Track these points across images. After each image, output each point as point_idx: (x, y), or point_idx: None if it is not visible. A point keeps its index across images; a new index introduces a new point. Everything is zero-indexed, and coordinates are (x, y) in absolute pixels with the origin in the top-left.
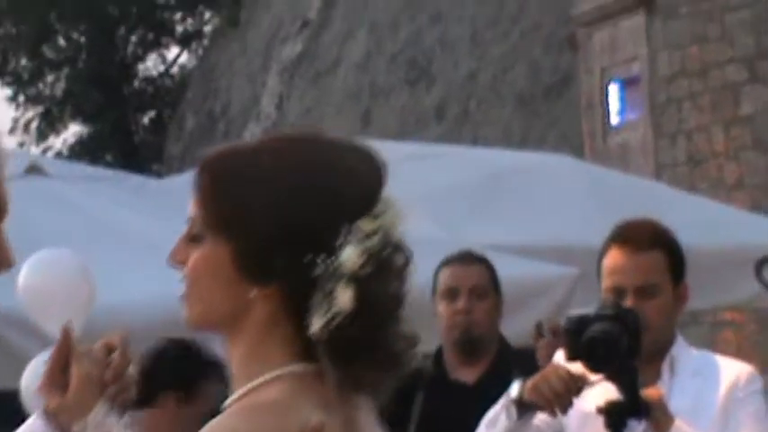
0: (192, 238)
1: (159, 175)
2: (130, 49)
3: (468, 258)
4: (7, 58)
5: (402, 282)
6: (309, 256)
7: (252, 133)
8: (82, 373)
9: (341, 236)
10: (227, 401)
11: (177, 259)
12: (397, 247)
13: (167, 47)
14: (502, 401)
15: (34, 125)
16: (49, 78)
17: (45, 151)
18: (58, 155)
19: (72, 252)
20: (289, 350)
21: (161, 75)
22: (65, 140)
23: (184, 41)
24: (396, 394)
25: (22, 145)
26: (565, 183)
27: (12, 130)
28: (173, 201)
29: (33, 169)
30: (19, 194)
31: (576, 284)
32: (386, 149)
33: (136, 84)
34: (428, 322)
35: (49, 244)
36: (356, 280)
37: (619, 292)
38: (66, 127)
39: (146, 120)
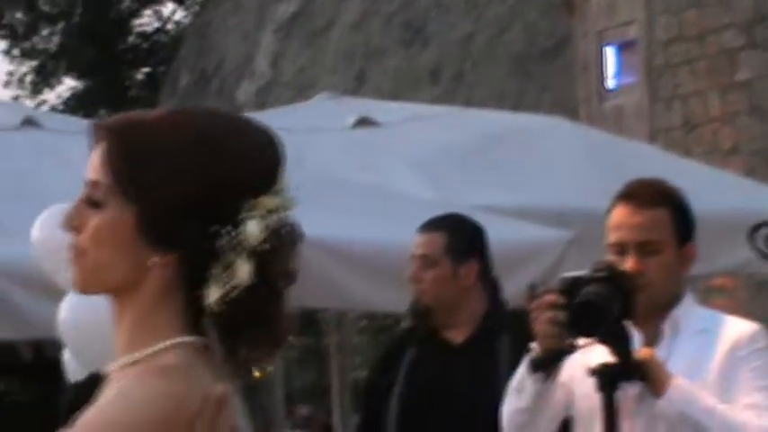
0: (93, 203)
1: None
2: (126, 4)
3: (426, 226)
4: (2, 12)
5: (294, 261)
6: (213, 227)
7: (246, 91)
8: None
9: (244, 210)
10: (114, 365)
11: (73, 224)
12: (294, 227)
13: (163, 3)
14: (524, 366)
15: (29, 79)
16: (44, 32)
17: (39, 105)
18: (53, 109)
19: None
20: (180, 321)
21: (156, 31)
22: (59, 95)
23: None
24: (388, 351)
25: (16, 98)
26: (559, 145)
27: (6, 84)
28: None
29: (29, 122)
30: (14, 146)
31: (569, 247)
32: (380, 110)
33: (130, 39)
34: None
35: (42, 196)
36: (256, 254)
37: (621, 247)
38: (60, 81)
39: (140, 75)
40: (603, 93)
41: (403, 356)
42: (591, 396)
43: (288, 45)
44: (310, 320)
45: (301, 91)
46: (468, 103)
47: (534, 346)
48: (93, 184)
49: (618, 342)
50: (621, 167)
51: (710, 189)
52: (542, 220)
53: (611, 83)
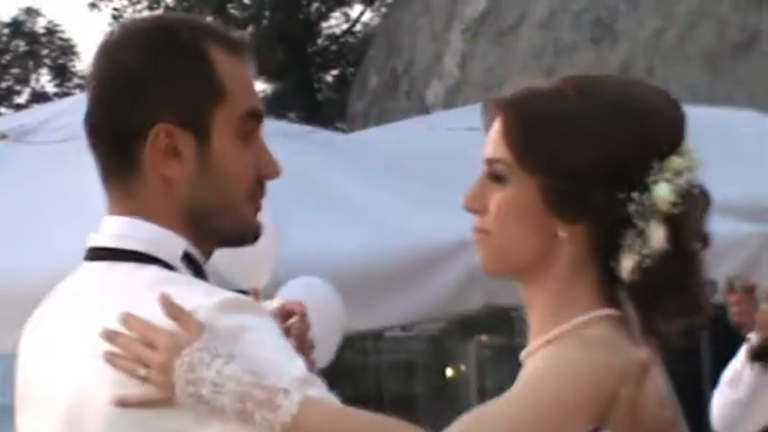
0: (496, 179)
1: (343, 132)
2: (314, 6)
3: None
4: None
5: (706, 224)
6: (622, 193)
7: (435, 92)
8: None
9: (652, 173)
10: (535, 344)
11: (475, 204)
12: (702, 188)
13: (351, 5)
14: (741, 357)
15: None
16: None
17: None
18: None
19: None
20: (596, 293)
21: (344, 33)
22: None
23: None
24: None
25: None
26: (755, 139)
27: None
28: (361, 155)
29: None
30: None
31: (766, 242)
32: None
33: (319, 42)
34: None
35: None
36: (668, 219)
37: None
38: None
39: (329, 77)
40: None
41: None
42: None
43: (476, 44)
44: (503, 319)
45: (490, 90)
46: None
47: (752, 336)
48: (494, 162)
49: None
50: None
51: None
52: (738, 214)
53: None
